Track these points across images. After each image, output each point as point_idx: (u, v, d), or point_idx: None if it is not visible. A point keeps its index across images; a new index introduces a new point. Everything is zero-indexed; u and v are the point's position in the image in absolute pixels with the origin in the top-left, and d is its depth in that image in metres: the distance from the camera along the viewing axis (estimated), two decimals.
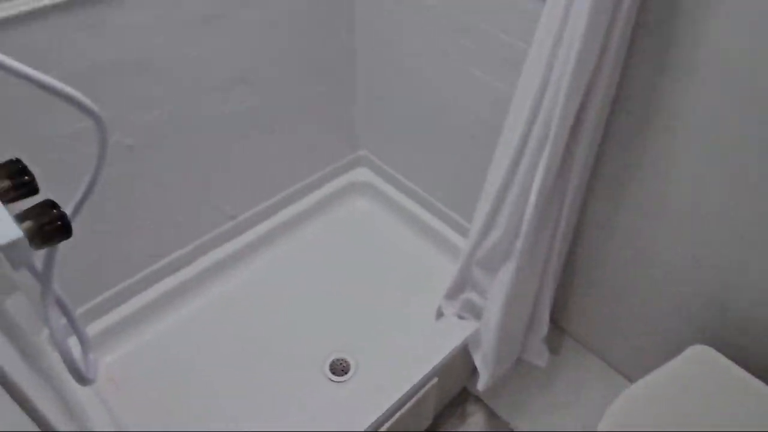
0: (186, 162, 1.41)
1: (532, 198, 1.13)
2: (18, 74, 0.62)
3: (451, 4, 1.30)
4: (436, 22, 1.37)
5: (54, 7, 0.99)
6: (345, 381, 1.47)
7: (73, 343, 0.73)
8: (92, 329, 1.44)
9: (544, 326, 1.45)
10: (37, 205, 0.68)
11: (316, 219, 1.84)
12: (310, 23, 1.46)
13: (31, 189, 0.72)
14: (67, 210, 0.72)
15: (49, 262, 0.74)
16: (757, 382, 1.06)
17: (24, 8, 0.96)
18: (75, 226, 0.66)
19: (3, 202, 0.66)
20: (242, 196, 1.65)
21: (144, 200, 1.38)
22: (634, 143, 1.19)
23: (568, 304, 1.59)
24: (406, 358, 1.34)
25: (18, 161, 0.74)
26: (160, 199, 1.41)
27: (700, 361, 1.11)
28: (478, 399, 1.55)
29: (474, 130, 1.46)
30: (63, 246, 0.67)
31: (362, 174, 1.93)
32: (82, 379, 0.78)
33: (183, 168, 1.41)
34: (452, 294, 1.45)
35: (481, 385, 1.41)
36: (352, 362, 1.50)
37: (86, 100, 0.66)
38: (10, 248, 0.59)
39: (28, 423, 0.59)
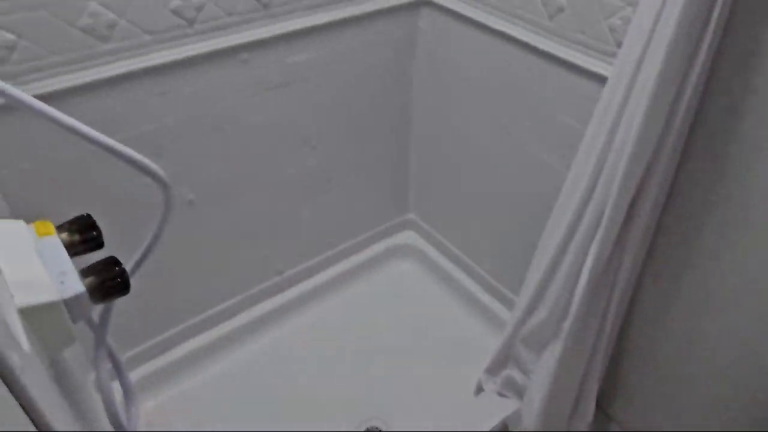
0: (242, 217, 1.46)
1: (583, 279, 1.10)
2: (95, 142, 0.66)
3: (509, 83, 1.33)
4: (493, 98, 1.39)
5: (130, 75, 1.07)
6: None
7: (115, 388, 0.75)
8: (135, 375, 1.46)
9: (589, 412, 1.38)
10: (101, 261, 0.72)
11: (360, 279, 1.85)
12: (369, 90, 1.51)
13: (98, 243, 0.76)
14: (127, 266, 0.76)
15: (105, 316, 0.77)
16: None
17: (101, 76, 1.04)
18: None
19: (70, 255, 0.70)
20: (291, 252, 1.68)
21: (196, 251, 1.42)
22: (690, 230, 1.15)
23: (616, 390, 1.51)
24: None
25: (88, 217, 0.78)
26: (213, 251, 1.46)
27: None
28: None
29: (526, 203, 1.45)
30: None
31: (409, 237, 1.94)
32: None
33: (238, 223, 1.46)
34: (493, 369, 1.41)
35: None
36: (385, 431, 1.46)
37: (157, 169, 0.69)
38: (72, 302, 0.61)
39: None
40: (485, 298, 1.72)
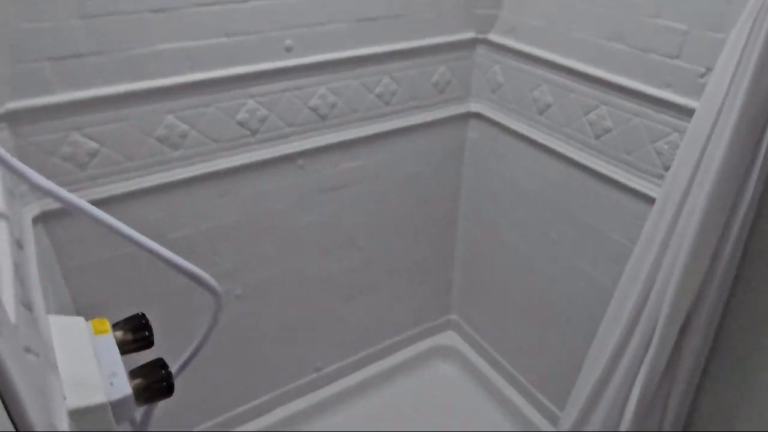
0: (285, 312, 1.48)
1: (631, 404, 1.05)
2: (152, 252, 0.71)
3: (555, 195, 1.35)
4: (539, 208, 1.41)
5: (195, 179, 1.16)
6: None
7: None
8: None
9: None
10: (149, 363, 0.74)
11: (398, 380, 1.81)
12: (417, 195, 1.56)
13: (148, 343, 0.79)
14: (173, 366, 0.78)
15: (147, 415, 0.79)
16: None
17: (169, 179, 1.13)
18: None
19: (122, 353, 0.73)
20: (330, 349, 1.67)
21: (237, 345, 1.44)
22: (748, 348, 1.09)
23: None
24: None
25: (142, 316, 0.82)
26: (254, 345, 1.47)
27: None
28: None
29: (572, 314, 1.42)
30: None
31: (450, 338, 1.91)
32: None
33: (281, 318, 1.48)
34: None
35: None
36: None
37: (209, 278, 0.73)
38: (118, 404, 0.63)
39: None
40: (527, 408, 1.64)
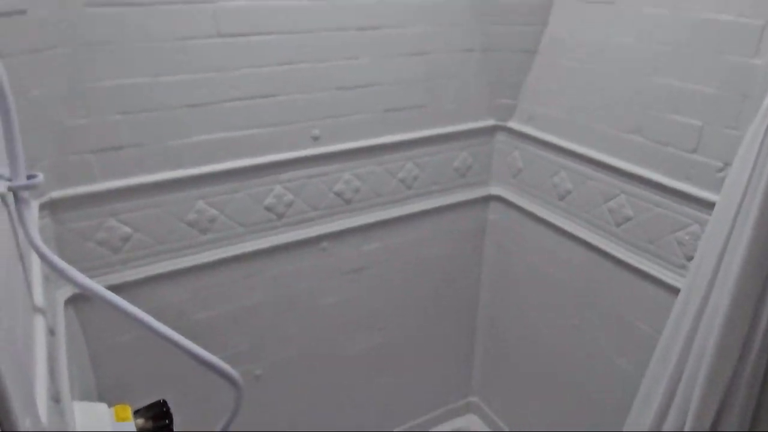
0: (303, 393, 1.47)
1: None
2: (180, 347, 0.72)
3: (577, 281, 1.35)
4: (561, 293, 1.40)
5: (221, 261, 1.19)
6: None
7: None
8: None
9: None
10: None
11: None
12: (438, 276, 1.57)
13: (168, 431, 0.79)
14: None
15: None
16: None
17: (196, 262, 1.16)
18: None
19: None
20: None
21: (253, 426, 1.42)
22: None
23: None
24: None
25: (164, 404, 0.82)
26: (270, 427, 1.45)
27: None
28: None
29: (596, 400, 1.37)
30: None
31: (472, 422, 1.85)
32: None
33: (299, 399, 1.46)
34: None
35: None
36: None
37: (229, 369, 0.74)
38: None
39: None
40: None
